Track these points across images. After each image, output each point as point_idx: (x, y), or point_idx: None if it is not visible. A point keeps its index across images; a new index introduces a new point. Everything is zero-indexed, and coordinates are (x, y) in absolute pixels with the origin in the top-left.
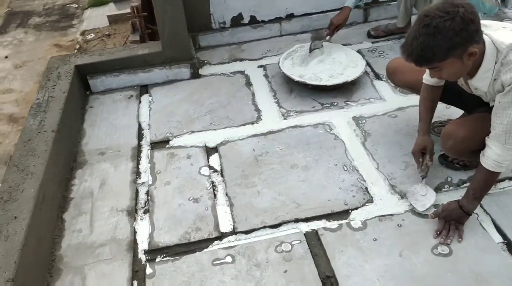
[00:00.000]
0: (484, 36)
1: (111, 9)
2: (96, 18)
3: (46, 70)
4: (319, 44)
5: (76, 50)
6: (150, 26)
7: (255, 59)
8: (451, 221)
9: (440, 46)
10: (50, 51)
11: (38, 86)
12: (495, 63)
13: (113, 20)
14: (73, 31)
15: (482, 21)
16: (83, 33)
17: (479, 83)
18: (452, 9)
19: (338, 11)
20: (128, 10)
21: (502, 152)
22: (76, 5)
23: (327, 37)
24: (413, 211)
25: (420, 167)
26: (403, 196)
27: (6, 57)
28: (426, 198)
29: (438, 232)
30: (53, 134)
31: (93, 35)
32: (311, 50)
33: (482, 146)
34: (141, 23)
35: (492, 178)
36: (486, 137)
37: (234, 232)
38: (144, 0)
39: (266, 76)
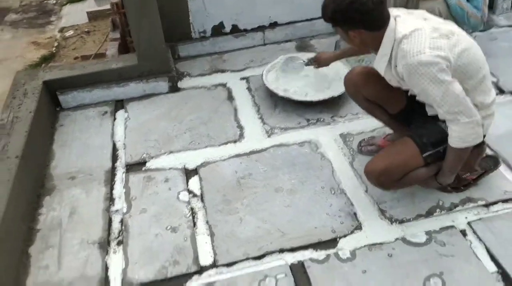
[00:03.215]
0: (392, 21)
1: (90, 5)
2: (75, 14)
3: (12, 87)
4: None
5: (54, 48)
6: None
7: (238, 71)
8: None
9: (328, 10)
10: (28, 49)
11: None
12: (392, 50)
13: (93, 16)
14: (51, 28)
15: (409, 10)
16: (61, 30)
17: (378, 66)
18: None
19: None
20: (108, 6)
21: (459, 128)
22: (54, 1)
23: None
24: (404, 239)
25: (311, 60)
26: (393, 221)
27: None
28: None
29: None
30: (17, 161)
31: (72, 32)
32: (307, 65)
33: (403, 173)
34: (121, 20)
35: (462, 154)
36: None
37: (214, 265)
38: None
39: (249, 89)
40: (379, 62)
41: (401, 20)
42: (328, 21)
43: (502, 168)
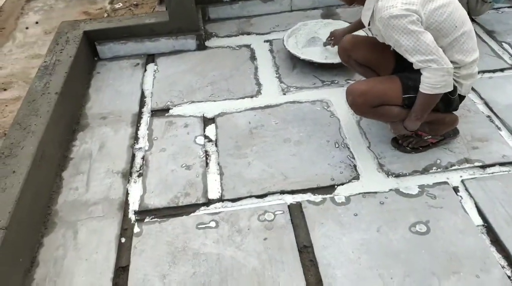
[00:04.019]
0: None
1: None
2: None
3: (56, 35)
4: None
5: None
6: None
7: (263, 34)
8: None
9: None
10: (79, 18)
11: None
12: (374, 4)
13: None
14: None
15: None
16: (111, 1)
17: (363, 19)
18: None
19: None
20: None
21: (430, 74)
22: None
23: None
24: (397, 190)
25: (328, 39)
26: (389, 174)
27: (37, 22)
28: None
29: None
30: (56, 97)
31: (121, 4)
32: (325, 45)
33: (380, 102)
34: None
35: (431, 101)
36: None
37: (221, 200)
38: None
39: (271, 51)
40: (364, 16)
41: None
42: None
43: (504, 135)
